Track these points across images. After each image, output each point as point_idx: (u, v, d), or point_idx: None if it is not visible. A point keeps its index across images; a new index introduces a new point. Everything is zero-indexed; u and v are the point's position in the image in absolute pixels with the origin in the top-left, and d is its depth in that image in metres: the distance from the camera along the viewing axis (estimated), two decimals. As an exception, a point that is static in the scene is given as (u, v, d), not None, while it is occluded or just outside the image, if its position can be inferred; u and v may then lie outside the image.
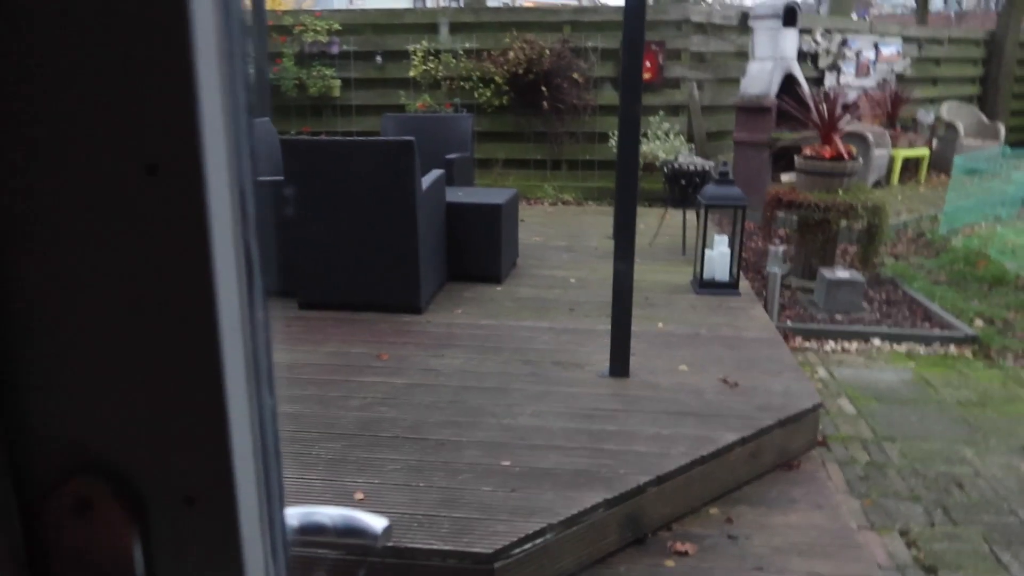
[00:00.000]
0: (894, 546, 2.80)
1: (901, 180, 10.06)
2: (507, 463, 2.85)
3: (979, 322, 5.14)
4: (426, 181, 4.51)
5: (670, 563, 2.65)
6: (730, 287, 4.92)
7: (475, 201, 5.03)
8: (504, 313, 4.55)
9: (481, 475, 2.76)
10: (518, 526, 2.46)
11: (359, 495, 2.63)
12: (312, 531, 0.67)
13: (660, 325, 4.37)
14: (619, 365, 3.64)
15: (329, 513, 0.68)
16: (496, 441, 3.01)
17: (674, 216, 6.38)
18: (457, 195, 5.14)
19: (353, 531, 0.68)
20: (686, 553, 2.70)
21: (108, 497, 0.47)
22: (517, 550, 2.40)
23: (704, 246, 4.95)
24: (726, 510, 2.98)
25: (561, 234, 6.71)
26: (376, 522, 0.69)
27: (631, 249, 3.51)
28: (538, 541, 2.45)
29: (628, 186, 3.50)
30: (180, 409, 0.47)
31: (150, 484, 0.48)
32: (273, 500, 0.52)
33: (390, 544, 2.36)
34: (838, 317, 5.17)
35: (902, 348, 4.74)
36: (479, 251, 5.05)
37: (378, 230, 4.32)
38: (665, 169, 6.18)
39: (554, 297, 4.87)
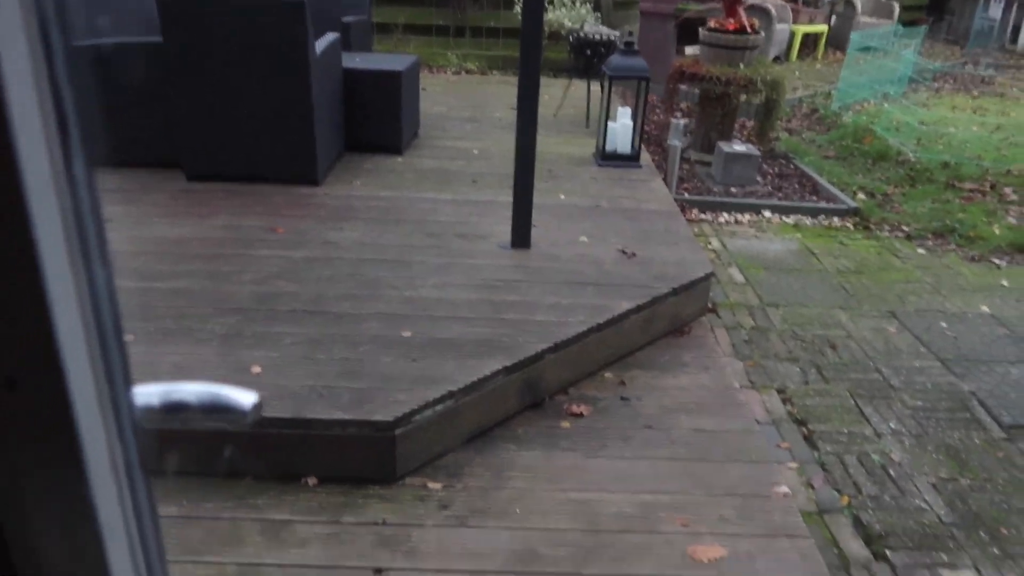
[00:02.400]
0: (771, 403, 3.01)
1: (800, 56, 10.20)
2: (408, 334, 2.86)
3: (861, 195, 5.40)
4: (320, 45, 4.25)
5: (566, 424, 2.76)
6: (632, 160, 4.95)
7: (374, 68, 4.80)
8: (405, 185, 4.45)
9: (382, 346, 2.77)
10: (419, 394, 2.50)
11: (256, 368, 2.59)
12: (175, 409, 0.63)
13: (562, 197, 4.39)
14: (521, 237, 3.65)
15: (193, 389, 0.65)
16: (397, 313, 3.01)
17: (578, 87, 6.29)
18: (354, 61, 4.88)
19: (220, 408, 0.65)
20: (581, 415, 2.83)
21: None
22: (418, 417, 2.44)
23: (607, 118, 4.93)
24: (620, 374, 3.11)
25: (464, 104, 6.53)
26: (245, 397, 0.66)
27: (534, 121, 3.44)
28: (438, 408, 2.49)
29: (532, 55, 3.39)
30: None
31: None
32: (115, 379, 0.48)
33: (288, 416, 2.36)
34: (733, 190, 5.32)
35: (791, 220, 4.94)
36: (378, 121, 4.86)
37: (270, 97, 4.08)
38: (571, 38, 6.03)
39: (456, 169, 4.79)
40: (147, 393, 0.64)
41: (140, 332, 2.79)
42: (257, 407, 0.66)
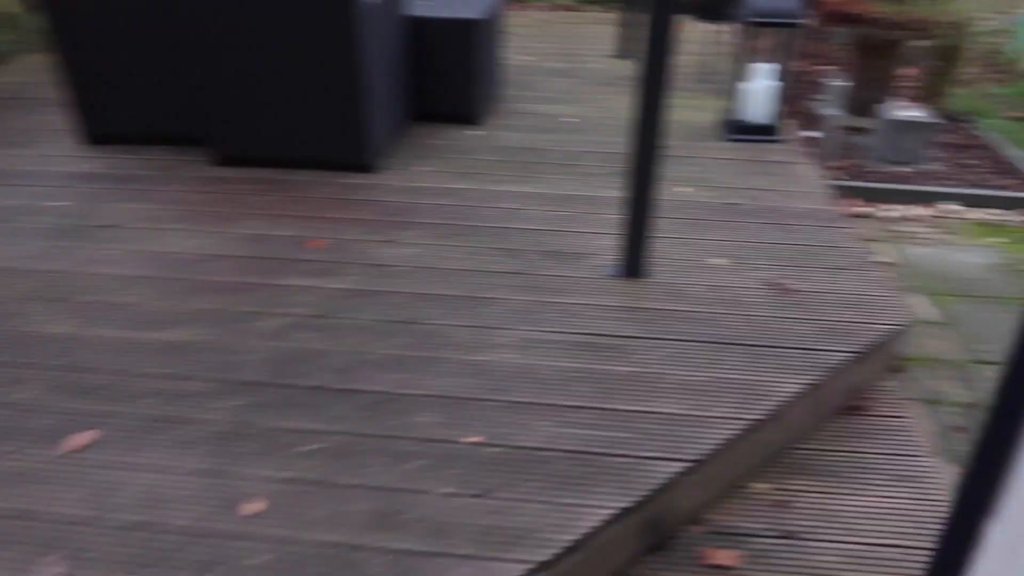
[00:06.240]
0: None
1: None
2: (476, 439, 1.98)
3: (1074, 177, 4.14)
4: (373, -11, 3.29)
5: (705, 586, 1.86)
6: (770, 133, 3.85)
7: (444, 15, 3.81)
8: (481, 171, 3.51)
9: (436, 463, 1.90)
10: (487, 567, 1.63)
11: (251, 507, 1.77)
12: None
13: (684, 189, 3.36)
14: (633, 262, 2.69)
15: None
16: (461, 395, 2.13)
17: (694, 27, 5.13)
18: (422, 5, 3.91)
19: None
20: (726, 567, 1.91)
21: None
22: (486, 607, 1.59)
23: (742, 79, 3.82)
24: (777, 485, 2.16)
25: (556, 51, 5.46)
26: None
27: (660, 92, 2.41)
28: (517, 590, 1.63)
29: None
30: None
31: None
32: None
33: (287, 616, 1.54)
34: (901, 169, 4.15)
35: (982, 215, 3.77)
36: (449, 83, 3.90)
37: (306, 61, 3.18)
38: (690, -32, 4.86)
39: (546, 146, 3.80)
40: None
41: (112, 423, 2.01)
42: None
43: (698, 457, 1.93)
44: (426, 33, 3.78)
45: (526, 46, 5.50)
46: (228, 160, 3.47)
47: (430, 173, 3.47)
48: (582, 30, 6.05)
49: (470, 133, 3.92)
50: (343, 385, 2.16)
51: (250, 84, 3.25)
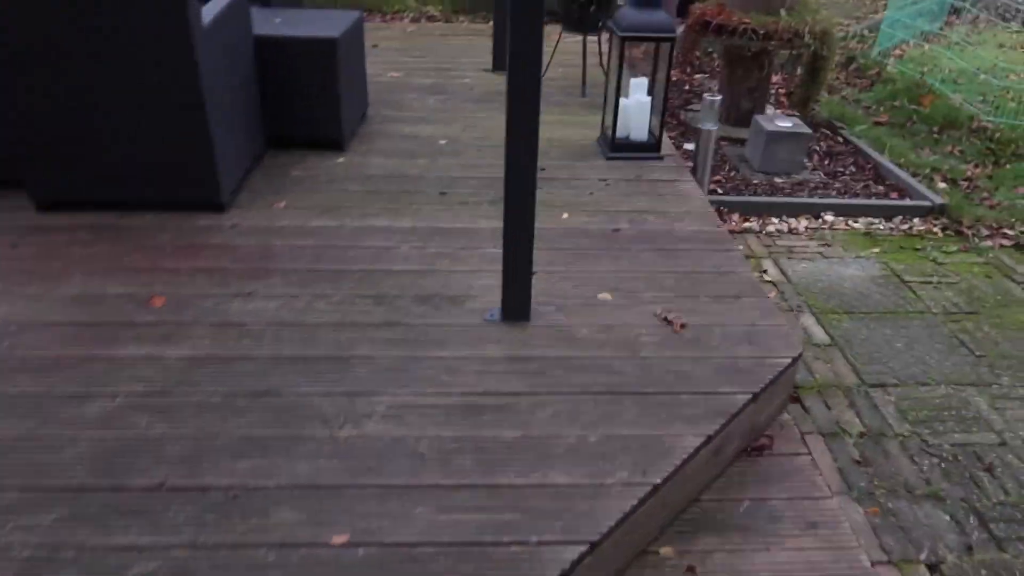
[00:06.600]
0: (927, 597, 1.92)
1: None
2: (343, 538, 1.70)
3: (939, 182, 4.24)
4: (212, 8, 2.95)
5: None
6: (650, 149, 3.74)
7: (298, 34, 3.49)
8: (347, 205, 3.21)
9: (297, 574, 1.61)
10: None
11: (64, 661, 1.43)
12: None
13: (565, 216, 3.19)
14: (515, 304, 2.48)
15: None
16: (326, 482, 1.85)
17: (566, 38, 5.00)
18: (271, 25, 3.57)
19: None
20: (636, 654, 1.72)
21: None
22: None
23: (618, 94, 3.69)
24: (684, 547, 2.00)
25: (425, 65, 5.21)
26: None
27: (531, 112, 2.19)
28: None
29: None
30: None
31: None
32: None
33: None
34: (778, 180, 4.14)
35: (859, 224, 3.79)
36: (309, 106, 3.58)
37: (145, 85, 2.80)
38: (558, -22, 4.72)
39: (418, 172, 3.55)
40: None
41: None
42: None
43: (598, 537, 1.73)
44: (281, 53, 3.45)
45: (394, 61, 5.23)
46: (52, 205, 3.03)
47: (289, 210, 3.15)
48: (453, 42, 5.83)
49: (333, 161, 3.61)
50: (184, 481, 1.83)
51: (76, 116, 2.84)
